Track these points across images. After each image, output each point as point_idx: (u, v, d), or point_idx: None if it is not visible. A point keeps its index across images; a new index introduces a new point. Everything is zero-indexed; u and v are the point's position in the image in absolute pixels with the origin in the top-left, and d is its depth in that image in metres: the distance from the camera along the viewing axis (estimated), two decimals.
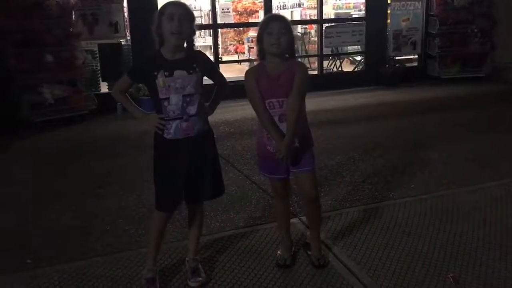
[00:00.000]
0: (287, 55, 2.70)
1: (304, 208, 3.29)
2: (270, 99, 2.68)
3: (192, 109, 2.56)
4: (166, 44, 2.53)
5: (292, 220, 3.33)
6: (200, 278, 2.79)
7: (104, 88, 8.10)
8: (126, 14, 8.25)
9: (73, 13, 7.30)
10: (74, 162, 5.27)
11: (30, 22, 6.62)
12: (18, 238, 3.47)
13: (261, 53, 2.70)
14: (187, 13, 2.50)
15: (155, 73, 2.50)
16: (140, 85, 5.47)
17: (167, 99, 2.53)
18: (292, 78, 2.64)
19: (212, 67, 2.81)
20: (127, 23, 8.30)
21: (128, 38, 8.31)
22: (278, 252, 3.04)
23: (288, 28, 2.63)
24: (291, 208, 3.44)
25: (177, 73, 2.51)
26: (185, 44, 2.58)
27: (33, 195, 4.30)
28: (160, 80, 2.50)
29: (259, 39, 2.66)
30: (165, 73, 2.50)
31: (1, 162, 5.39)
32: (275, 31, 2.59)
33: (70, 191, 4.36)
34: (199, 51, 2.82)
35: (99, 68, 7.83)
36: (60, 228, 3.61)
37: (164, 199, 2.69)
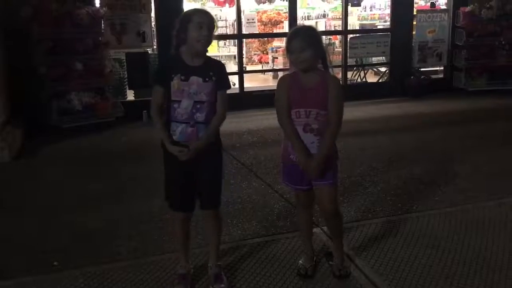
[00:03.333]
0: (320, 66, 2.71)
1: (324, 221, 3.29)
2: (298, 108, 2.69)
3: (201, 116, 2.60)
4: (189, 49, 2.61)
5: (314, 230, 3.33)
6: (223, 285, 2.82)
7: (130, 96, 8.25)
8: (153, 24, 8.40)
9: (102, 22, 7.48)
10: (100, 168, 5.37)
11: (61, 30, 6.81)
12: (45, 240, 3.56)
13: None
14: (212, 22, 2.60)
15: (172, 76, 2.59)
16: None
17: (179, 102, 2.59)
18: (324, 91, 2.64)
19: (222, 82, 2.68)
20: (154, 33, 8.45)
21: (155, 47, 8.46)
22: (300, 261, 3.04)
23: (310, 43, 2.60)
24: (313, 218, 3.43)
25: (192, 78, 2.58)
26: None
27: (60, 199, 4.40)
28: (175, 82, 2.58)
29: (286, 53, 2.70)
30: (181, 77, 2.58)
31: (30, 166, 5.53)
32: (296, 50, 2.60)
33: (96, 195, 4.45)
34: (218, 62, 2.78)
35: (126, 76, 8.00)
36: (86, 232, 3.69)
37: (170, 197, 2.79)
